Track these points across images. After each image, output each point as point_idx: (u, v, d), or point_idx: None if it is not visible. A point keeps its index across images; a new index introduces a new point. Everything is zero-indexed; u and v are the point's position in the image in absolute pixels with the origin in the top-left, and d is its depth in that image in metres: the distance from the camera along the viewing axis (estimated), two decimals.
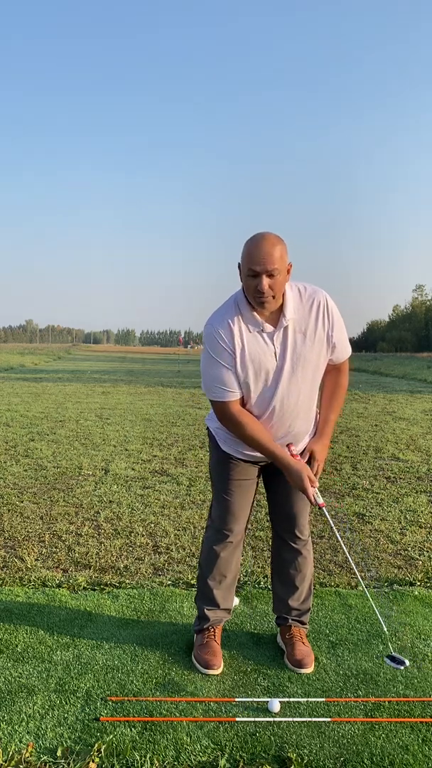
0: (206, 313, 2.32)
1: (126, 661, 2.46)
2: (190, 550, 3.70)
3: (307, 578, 2.57)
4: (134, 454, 6.64)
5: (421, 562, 3.59)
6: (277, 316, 2.22)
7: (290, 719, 2.10)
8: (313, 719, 2.10)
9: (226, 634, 2.67)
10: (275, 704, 2.15)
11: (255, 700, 2.21)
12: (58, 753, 1.91)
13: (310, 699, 2.22)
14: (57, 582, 3.20)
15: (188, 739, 1.99)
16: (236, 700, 2.21)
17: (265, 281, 2.10)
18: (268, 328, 2.22)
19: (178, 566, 3.46)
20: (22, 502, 4.73)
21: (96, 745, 1.94)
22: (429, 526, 4.31)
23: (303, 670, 2.39)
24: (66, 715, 2.11)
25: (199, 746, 1.96)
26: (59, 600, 2.99)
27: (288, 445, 2.38)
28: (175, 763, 1.89)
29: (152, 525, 4.21)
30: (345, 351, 2.39)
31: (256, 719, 2.09)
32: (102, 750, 1.92)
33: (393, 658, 2.37)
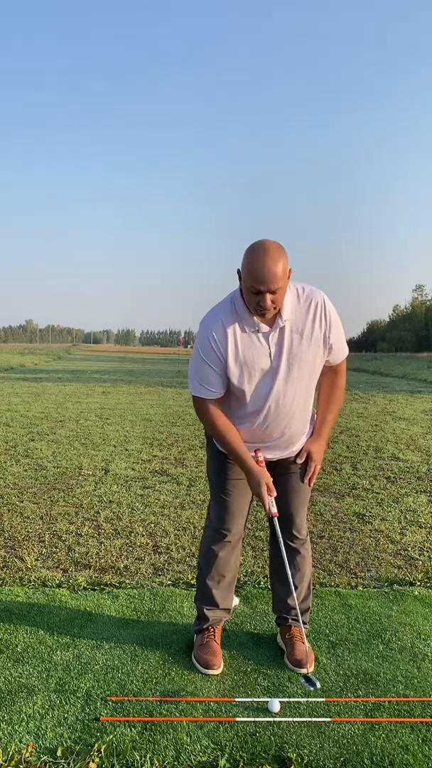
0: (206, 313, 2.32)
1: (126, 661, 2.46)
2: (190, 550, 3.70)
3: (305, 577, 2.58)
4: (134, 454, 6.64)
5: (421, 562, 3.59)
6: (273, 317, 2.22)
7: (290, 719, 2.10)
8: (313, 719, 2.10)
9: (226, 634, 2.67)
10: (275, 704, 2.15)
11: (255, 700, 2.21)
12: (58, 753, 1.91)
13: (310, 699, 2.22)
14: (57, 582, 3.20)
15: (188, 739, 1.99)
16: (236, 700, 2.21)
17: (268, 297, 2.10)
18: (264, 328, 2.21)
19: (178, 566, 3.46)
20: (22, 502, 4.73)
21: (96, 745, 1.94)
22: (429, 526, 4.31)
23: (302, 670, 2.39)
24: (66, 715, 2.11)
25: (199, 746, 1.96)
26: (59, 600, 2.99)
27: (255, 451, 2.42)
28: (175, 763, 1.89)
29: (152, 525, 4.21)
30: (342, 352, 2.39)
31: (256, 719, 2.09)
32: (102, 750, 1.92)
33: (308, 679, 2.26)
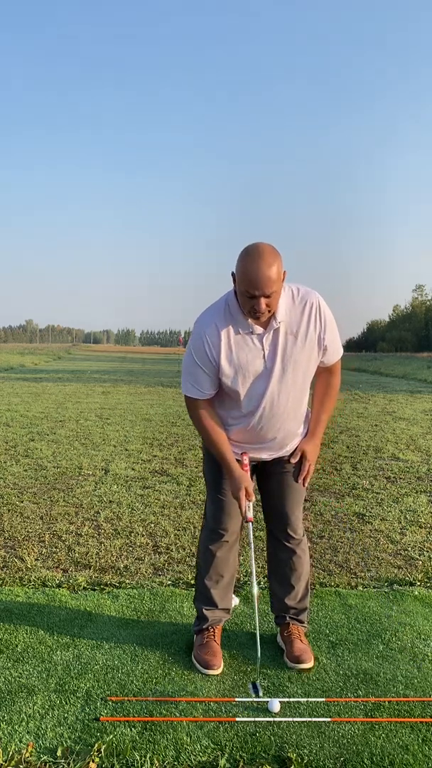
0: (200, 313, 2.32)
1: (126, 661, 2.46)
2: (190, 550, 3.70)
3: (303, 577, 2.58)
4: (134, 454, 6.64)
5: (421, 562, 3.59)
6: (268, 318, 2.22)
7: (290, 719, 2.10)
8: (313, 719, 2.10)
9: (226, 634, 2.67)
10: (275, 704, 2.15)
11: (255, 700, 2.21)
12: (58, 753, 1.91)
13: (310, 699, 2.22)
14: (57, 582, 3.20)
15: (188, 739, 1.99)
16: (236, 700, 2.21)
17: (263, 301, 2.10)
18: (258, 329, 2.21)
19: (178, 566, 3.46)
20: (22, 502, 4.73)
21: (96, 745, 1.94)
22: (429, 526, 4.31)
23: (301, 666, 2.40)
24: (66, 715, 2.11)
25: (199, 746, 1.96)
26: (59, 600, 2.99)
27: (242, 454, 2.43)
28: (175, 763, 1.89)
29: (152, 525, 4.21)
30: (336, 353, 2.39)
31: (256, 719, 2.09)
32: (102, 750, 1.92)
33: (254, 686, 2.25)
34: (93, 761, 1.87)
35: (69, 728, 2.04)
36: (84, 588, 3.15)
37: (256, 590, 2.77)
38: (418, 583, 3.28)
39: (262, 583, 3.21)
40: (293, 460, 2.45)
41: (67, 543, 3.82)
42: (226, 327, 2.22)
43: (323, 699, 2.23)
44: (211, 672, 2.38)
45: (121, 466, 6.05)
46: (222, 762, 1.88)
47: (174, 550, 3.73)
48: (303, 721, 2.09)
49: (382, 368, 27.85)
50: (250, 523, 2.40)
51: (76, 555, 3.61)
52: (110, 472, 5.79)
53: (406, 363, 30.35)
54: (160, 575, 3.34)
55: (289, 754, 1.93)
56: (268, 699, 2.19)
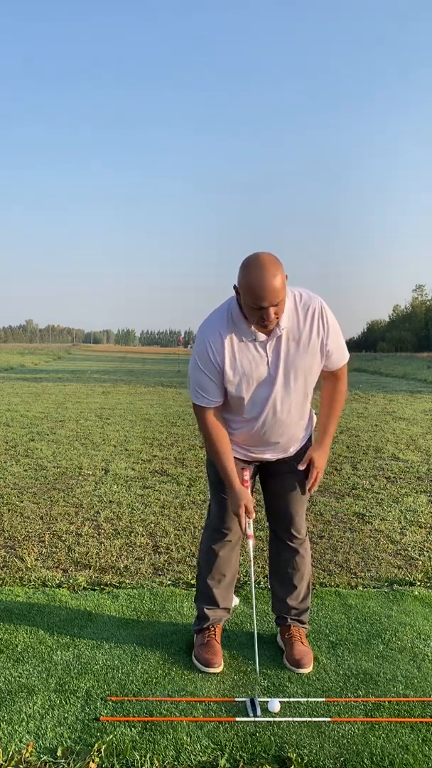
0: (206, 313, 2.32)
1: (126, 661, 2.46)
2: (190, 550, 3.70)
3: (305, 577, 2.58)
4: (134, 454, 6.64)
5: (421, 562, 3.59)
6: None
7: (290, 719, 2.10)
8: (313, 719, 2.10)
9: (226, 634, 2.67)
10: (275, 704, 2.15)
11: (249, 699, 2.21)
12: (58, 753, 1.91)
13: (310, 699, 2.22)
14: (57, 582, 3.20)
15: (188, 739, 1.99)
16: (236, 700, 2.21)
17: (272, 311, 2.09)
18: (261, 336, 2.21)
19: (178, 566, 3.46)
20: (22, 502, 4.73)
21: (96, 745, 1.94)
22: (429, 526, 4.31)
23: (301, 670, 2.40)
24: (66, 715, 2.11)
25: (199, 746, 1.96)
26: (59, 600, 2.99)
27: (242, 470, 2.43)
28: (175, 763, 1.89)
29: (152, 525, 4.21)
30: (341, 358, 2.37)
31: (256, 719, 2.09)
32: (102, 750, 1.92)
33: (253, 704, 2.17)
34: (93, 761, 1.87)
35: (69, 728, 2.04)
36: (84, 588, 3.15)
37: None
38: (418, 583, 3.28)
39: (262, 583, 3.21)
40: (301, 467, 2.44)
41: (67, 543, 3.82)
42: (229, 334, 2.22)
43: (323, 699, 2.23)
44: (211, 670, 2.38)
45: (121, 466, 6.05)
46: (222, 762, 1.88)
47: (174, 550, 3.73)
48: (303, 721, 2.09)
49: (382, 368, 27.85)
50: (251, 540, 2.40)
51: (76, 555, 3.61)
52: (110, 472, 5.79)
53: (406, 363, 30.35)
54: (160, 575, 3.34)
55: (289, 754, 1.93)
56: (268, 699, 2.19)
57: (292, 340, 2.23)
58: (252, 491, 2.54)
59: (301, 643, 2.51)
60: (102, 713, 2.12)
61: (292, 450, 2.45)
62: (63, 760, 1.88)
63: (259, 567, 3.45)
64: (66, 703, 2.17)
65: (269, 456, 2.45)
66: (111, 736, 1.99)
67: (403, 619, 2.86)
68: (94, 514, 4.43)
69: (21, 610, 2.88)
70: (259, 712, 2.12)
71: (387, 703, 2.21)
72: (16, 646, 2.56)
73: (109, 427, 8.52)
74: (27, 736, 1.99)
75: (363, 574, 3.42)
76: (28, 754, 1.91)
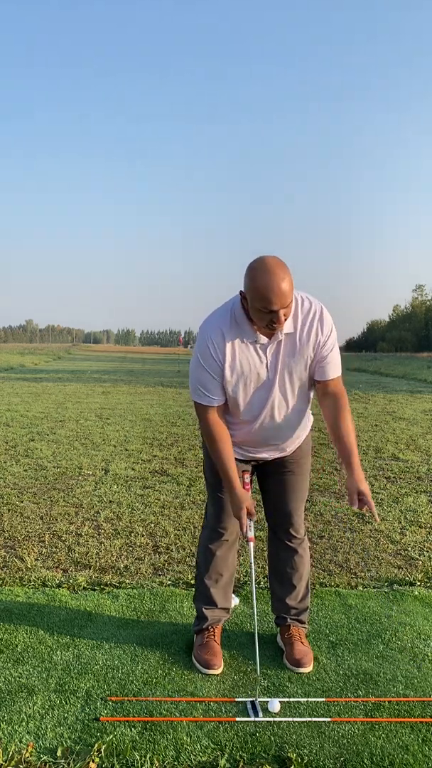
0: (206, 313, 2.32)
1: (126, 661, 2.46)
2: (190, 550, 3.70)
3: (304, 577, 2.58)
4: (134, 454, 6.64)
5: (421, 562, 3.59)
6: None
7: (290, 719, 2.10)
8: (313, 719, 2.10)
9: (226, 634, 2.67)
10: (275, 704, 2.15)
11: (251, 700, 2.21)
12: (58, 753, 1.91)
13: (310, 699, 2.22)
14: (57, 582, 3.20)
15: (188, 739, 1.99)
16: (236, 699, 2.21)
17: (282, 313, 2.09)
18: (262, 339, 2.21)
19: (178, 566, 3.46)
20: (22, 502, 4.73)
21: (96, 745, 1.94)
22: (429, 526, 4.31)
23: (301, 670, 2.40)
24: (66, 715, 2.11)
25: (199, 746, 1.96)
26: (59, 600, 2.99)
27: (243, 473, 2.42)
28: (175, 763, 1.89)
29: (152, 525, 4.21)
30: (335, 368, 2.29)
31: (256, 719, 2.09)
32: (102, 750, 1.92)
33: (254, 706, 2.16)
34: (93, 761, 1.87)
35: (69, 728, 2.04)
36: (84, 588, 3.15)
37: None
38: (418, 583, 3.28)
39: (261, 583, 3.21)
40: (355, 507, 2.22)
41: (67, 543, 3.82)
42: (231, 334, 2.22)
43: (323, 699, 2.23)
44: (211, 672, 2.38)
45: (121, 466, 6.05)
46: (222, 762, 1.88)
47: (174, 550, 3.73)
48: (303, 721, 2.09)
49: (382, 368, 27.85)
50: (251, 543, 2.40)
51: (76, 555, 3.61)
52: (110, 472, 5.79)
53: (406, 363, 30.36)
54: (160, 575, 3.34)
55: (289, 754, 1.93)
56: (268, 699, 2.19)
57: (291, 345, 2.23)
58: (251, 490, 2.54)
59: (301, 642, 2.51)
60: (102, 713, 2.12)
61: (289, 450, 2.45)
62: (63, 760, 1.88)
63: (258, 567, 3.45)
64: (66, 703, 2.17)
65: (266, 455, 2.45)
66: (111, 736, 1.99)
67: (403, 619, 2.86)
68: (94, 514, 4.43)
69: (21, 610, 2.88)
70: (260, 714, 2.12)
71: (387, 703, 2.21)
72: (16, 646, 2.56)
73: (109, 427, 8.52)
74: (27, 736, 1.99)
75: (363, 574, 3.42)
76: (28, 754, 1.91)
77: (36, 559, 3.54)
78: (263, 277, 2.05)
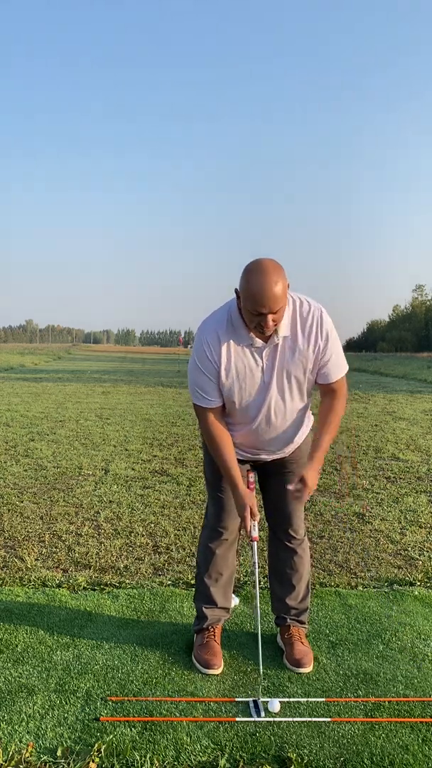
0: (206, 313, 2.32)
1: (126, 661, 2.46)
2: (190, 550, 3.70)
3: (303, 577, 2.58)
4: (134, 454, 6.64)
5: (421, 562, 3.59)
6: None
7: (290, 719, 2.10)
8: (313, 719, 2.10)
9: (226, 634, 2.67)
10: (275, 704, 2.15)
11: (252, 699, 2.21)
12: (58, 753, 1.91)
13: (310, 699, 2.22)
14: (57, 582, 3.20)
15: (188, 739, 1.99)
16: (236, 699, 2.21)
17: (270, 318, 2.08)
18: (258, 343, 2.20)
19: (178, 566, 3.46)
20: (22, 502, 4.73)
21: (96, 745, 1.94)
22: (429, 526, 4.31)
23: (301, 670, 2.40)
24: (66, 715, 2.11)
25: (199, 746, 1.96)
26: (59, 600, 2.99)
27: (248, 472, 2.43)
28: (175, 763, 1.89)
29: (152, 525, 4.21)
30: (337, 370, 2.30)
31: (256, 719, 2.09)
32: (102, 750, 1.92)
33: (256, 705, 2.17)
34: (93, 761, 1.87)
35: (69, 728, 2.04)
36: (84, 588, 3.15)
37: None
38: (418, 583, 3.28)
39: (262, 583, 3.21)
40: (291, 487, 2.34)
41: (67, 543, 3.82)
42: (227, 337, 2.21)
43: (323, 699, 2.23)
44: (211, 672, 2.38)
45: (121, 466, 6.05)
46: (222, 762, 1.88)
47: (174, 550, 3.73)
48: (303, 721, 2.09)
49: (382, 368, 27.85)
50: (255, 542, 2.39)
51: (76, 555, 3.61)
52: (110, 472, 5.79)
53: (406, 363, 30.36)
54: (160, 575, 3.34)
55: (289, 754, 1.93)
56: (269, 699, 2.19)
57: (289, 348, 2.22)
58: None
59: (301, 642, 2.51)
60: (102, 713, 2.12)
61: (288, 450, 2.45)
62: (63, 760, 1.88)
63: (259, 567, 3.45)
64: (66, 703, 2.17)
65: (264, 456, 2.45)
66: (111, 736, 1.99)
67: (403, 619, 2.86)
68: (94, 514, 4.43)
69: (21, 610, 2.88)
70: (262, 714, 2.12)
71: (387, 703, 2.21)
72: (16, 646, 2.56)
73: (109, 427, 8.52)
74: (27, 736, 1.99)
75: (363, 574, 3.42)
76: (28, 754, 1.91)
77: (36, 559, 3.54)
78: (256, 278, 2.05)
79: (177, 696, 2.23)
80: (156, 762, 1.88)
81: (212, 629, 2.55)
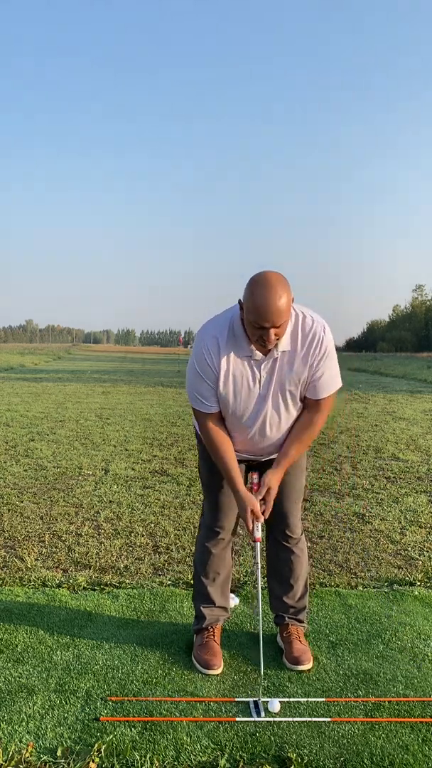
0: (206, 313, 2.33)
1: (126, 661, 2.46)
2: (190, 550, 3.70)
3: (301, 576, 2.58)
4: (134, 454, 6.64)
5: (421, 562, 3.59)
6: None
7: (290, 719, 2.10)
8: (313, 719, 2.10)
9: (226, 634, 2.67)
10: (275, 704, 2.15)
11: (254, 699, 2.21)
12: (58, 753, 1.91)
13: (310, 699, 2.22)
14: (57, 582, 3.20)
15: (188, 739, 1.99)
16: (236, 699, 2.21)
17: (272, 332, 2.08)
18: (258, 355, 2.19)
19: (178, 566, 3.46)
20: (22, 502, 4.73)
21: (96, 745, 1.94)
22: (429, 526, 4.31)
23: (300, 668, 2.40)
24: (66, 715, 2.11)
25: (199, 746, 1.96)
26: (59, 600, 2.99)
27: (251, 474, 2.42)
28: (175, 763, 1.89)
29: (152, 525, 4.21)
30: (325, 389, 2.27)
31: (256, 719, 2.09)
32: (102, 750, 1.92)
33: (257, 706, 2.16)
34: (93, 761, 1.87)
35: (69, 728, 2.04)
36: (84, 588, 3.15)
37: (253, 607, 2.76)
38: (418, 583, 3.28)
39: (263, 583, 3.21)
40: (259, 498, 2.33)
41: (67, 543, 3.82)
42: (226, 346, 2.20)
43: (323, 699, 2.23)
44: (211, 672, 2.38)
45: (121, 466, 6.05)
46: (222, 762, 1.88)
47: (174, 550, 3.73)
48: (303, 721, 2.09)
49: (382, 368, 27.85)
50: (258, 543, 2.39)
51: (76, 555, 3.61)
52: (110, 472, 5.79)
53: (406, 363, 30.37)
54: (160, 575, 3.35)
55: (289, 754, 1.93)
56: (269, 699, 2.19)
57: (287, 363, 2.21)
58: None
59: (299, 641, 2.51)
60: (102, 713, 2.12)
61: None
62: (63, 760, 1.88)
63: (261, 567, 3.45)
64: (66, 703, 2.17)
65: (260, 458, 2.46)
66: (111, 736, 1.99)
67: (403, 619, 2.86)
68: (94, 514, 4.43)
69: (21, 610, 2.88)
70: (262, 714, 2.12)
71: (387, 703, 2.21)
72: (16, 646, 2.56)
73: (109, 427, 8.52)
74: (27, 736, 1.99)
75: (363, 574, 3.42)
76: (28, 754, 1.91)
77: (36, 559, 3.54)
78: (261, 292, 2.04)
79: (177, 696, 2.23)
80: (156, 762, 1.88)
81: (212, 629, 2.56)
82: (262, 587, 3.15)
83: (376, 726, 2.08)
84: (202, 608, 2.57)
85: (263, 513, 2.35)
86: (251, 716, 2.11)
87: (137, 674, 2.37)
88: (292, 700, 2.22)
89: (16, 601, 2.98)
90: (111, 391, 14.28)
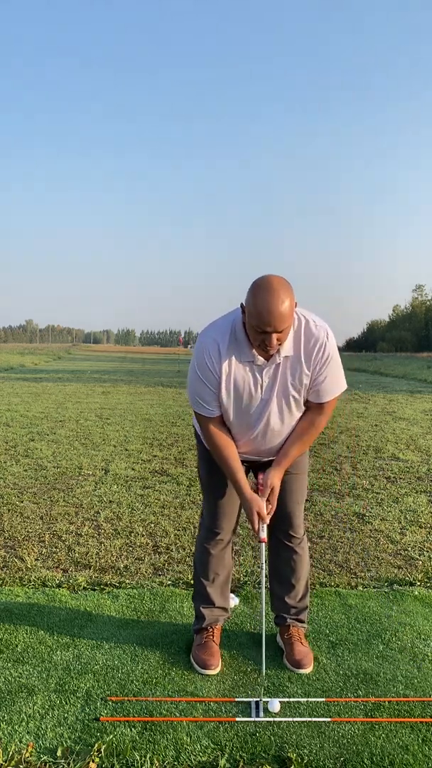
0: (206, 313, 2.35)
1: (126, 661, 2.46)
2: (190, 550, 3.70)
3: (303, 577, 2.58)
4: (134, 454, 6.64)
5: (421, 562, 3.59)
6: None
7: (290, 719, 2.10)
8: (313, 719, 2.10)
9: (226, 634, 2.67)
10: (275, 704, 2.15)
11: (255, 700, 2.21)
12: (58, 753, 1.91)
13: (310, 699, 2.22)
14: (57, 582, 3.20)
15: (188, 739, 1.99)
16: (236, 699, 2.21)
17: (274, 337, 2.07)
18: (260, 360, 2.18)
19: (178, 566, 3.46)
20: (22, 502, 4.73)
21: (96, 745, 1.94)
22: (429, 526, 4.31)
23: (301, 671, 2.40)
24: (66, 715, 2.11)
25: (199, 746, 1.96)
26: (59, 600, 2.99)
27: (257, 474, 2.42)
28: (175, 763, 1.89)
29: (152, 525, 4.21)
30: (328, 393, 2.27)
31: (256, 719, 2.09)
32: (102, 750, 1.92)
33: (257, 706, 2.16)
34: (93, 761, 1.87)
35: (69, 728, 2.04)
36: (84, 588, 3.15)
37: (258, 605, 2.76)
38: (418, 583, 3.28)
39: (265, 583, 3.21)
40: (264, 499, 2.33)
41: (67, 543, 3.82)
42: (228, 351, 2.19)
43: (323, 699, 2.23)
44: (208, 672, 2.38)
45: (121, 466, 6.05)
46: (222, 762, 1.88)
47: (174, 550, 3.73)
48: (303, 721, 2.09)
49: (382, 368, 27.85)
50: (263, 544, 2.39)
51: (76, 555, 3.61)
52: (110, 472, 5.79)
53: (406, 363, 30.37)
54: (160, 575, 3.34)
55: (289, 754, 1.93)
56: (269, 699, 2.19)
57: (290, 368, 2.20)
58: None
59: (301, 643, 2.51)
60: (102, 713, 2.12)
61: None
62: (63, 760, 1.88)
63: (259, 567, 3.45)
64: (66, 703, 2.17)
65: (264, 458, 2.46)
66: (111, 736, 1.99)
67: (403, 619, 2.86)
68: (94, 514, 4.43)
69: (21, 610, 2.88)
70: (262, 714, 2.12)
71: (387, 703, 2.21)
72: (16, 646, 2.56)
73: (109, 427, 8.52)
74: (27, 736, 1.99)
75: (363, 574, 3.42)
76: (28, 754, 1.91)
77: (36, 559, 3.54)
78: (263, 296, 2.02)
79: (177, 696, 2.23)
80: (156, 762, 1.88)
81: (211, 629, 2.56)
82: (265, 586, 3.15)
83: (376, 726, 2.08)
84: (201, 608, 2.57)
85: (268, 513, 2.35)
86: (251, 716, 2.11)
87: (137, 674, 2.37)
88: (292, 700, 2.22)
89: (16, 601, 2.98)
90: (111, 391, 14.28)
